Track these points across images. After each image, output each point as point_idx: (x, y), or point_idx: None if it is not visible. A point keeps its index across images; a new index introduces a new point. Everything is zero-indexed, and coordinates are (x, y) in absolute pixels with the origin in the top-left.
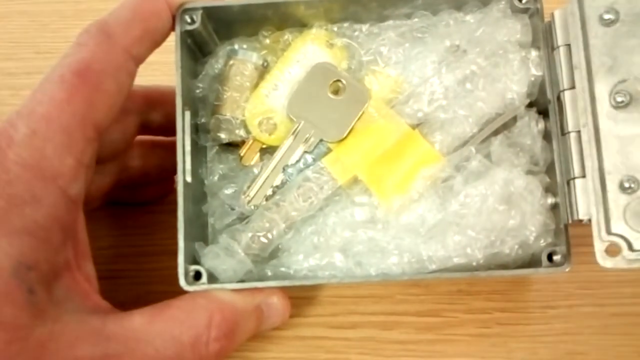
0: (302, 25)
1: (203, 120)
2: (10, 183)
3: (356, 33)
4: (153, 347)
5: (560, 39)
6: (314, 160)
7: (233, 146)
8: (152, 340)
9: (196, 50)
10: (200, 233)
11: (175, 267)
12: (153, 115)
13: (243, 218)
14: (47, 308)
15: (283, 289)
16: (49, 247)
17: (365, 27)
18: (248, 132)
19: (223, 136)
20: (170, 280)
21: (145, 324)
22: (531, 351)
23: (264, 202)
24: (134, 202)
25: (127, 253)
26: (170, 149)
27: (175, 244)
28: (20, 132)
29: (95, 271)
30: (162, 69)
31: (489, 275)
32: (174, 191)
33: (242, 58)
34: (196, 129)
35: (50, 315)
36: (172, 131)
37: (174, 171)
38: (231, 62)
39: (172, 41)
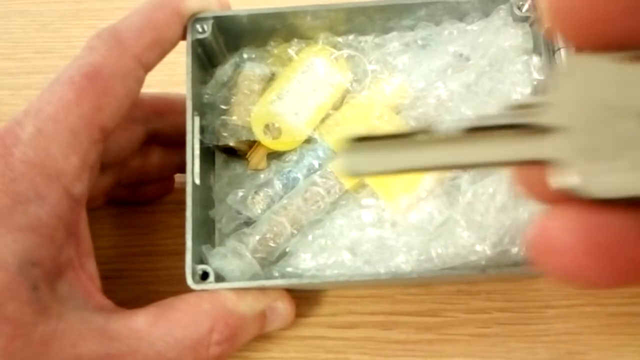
0: (308, 37)
1: (210, 123)
2: (16, 180)
3: (361, 44)
4: (155, 348)
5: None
6: (321, 165)
7: (240, 155)
8: (155, 342)
9: (205, 61)
10: (207, 237)
11: (175, 267)
12: (160, 124)
13: (250, 223)
14: (51, 305)
15: (289, 293)
16: (52, 244)
17: (369, 38)
18: (253, 135)
19: (229, 138)
20: (171, 280)
21: (148, 325)
22: (531, 351)
23: (272, 206)
24: (134, 201)
25: (127, 253)
26: (169, 149)
27: (176, 244)
28: (26, 130)
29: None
30: (162, 69)
31: (500, 273)
32: (173, 191)
33: (250, 66)
34: (202, 131)
35: (54, 313)
36: (178, 140)
37: (173, 170)
38: (239, 69)
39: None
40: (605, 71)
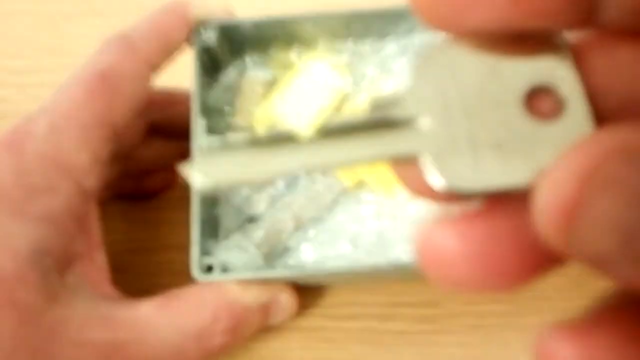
0: (309, 44)
1: (214, 125)
2: (29, 173)
3: (360, 49)
4: (159, 336)
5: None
6: None
7: None
8: (159, 330)
9: (210, 68)
10: (212, 233)
11: (180, 262)
12: (160, 116)
13: (253, 221)
14: (60, 292)
15: (292, 285)
16: (63, 235)
17: (367, 43)
18: None
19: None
20: (176, 274)
21: (152, 314)
22: (528, 342)
23: (275, 204)
24: (139, 194)
25: (133, 247)
26: (169, 139)
27: (182, 238)
28: (40, 127)
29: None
30: (165, 69)
31: None
32: (178, 187)
33: (253, 71)
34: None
35: (61, 300)
36: (178, 130)
37: (174, 159)
38: (243, 74)
39: None
40: (466, 60)
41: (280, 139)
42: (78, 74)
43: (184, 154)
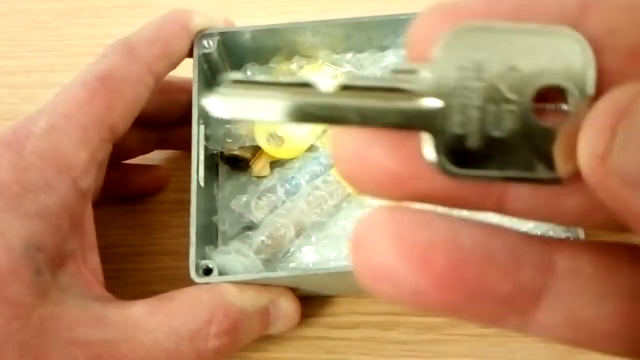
0: (309, 56)
1: (214, 132)
2: (27, 170)
3: (360, 61)
4: (152, 337)
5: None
6: (323, 172)
7: (243, 166)
8: (152, 331)
9: (211, 79)
10: (210, 241)
11: (176, 267)
12: (152, 104)
13: (253, 228)
14: (51, 290)
15: (293, 291)
16: (58, 233)
17: (367, 56)
18: (256, 143)
19: (233, 144)
20: (172, 280)
21: (145, 314)
22: (532, 351)
23: (276, 209)
24: (128, 194)
25: (127, 253)
26: (149, 128)
27: (177, 243)
28: (39, 126)
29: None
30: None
31: None
32: (173, 191)
33: None
34: (206, 139)
35: (53, 298)
36: (163, 122)
37: (153, 146)
38: None
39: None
40: (491, 48)
41: (301, 85)
42: (80, 77)
43: (164, 142)
